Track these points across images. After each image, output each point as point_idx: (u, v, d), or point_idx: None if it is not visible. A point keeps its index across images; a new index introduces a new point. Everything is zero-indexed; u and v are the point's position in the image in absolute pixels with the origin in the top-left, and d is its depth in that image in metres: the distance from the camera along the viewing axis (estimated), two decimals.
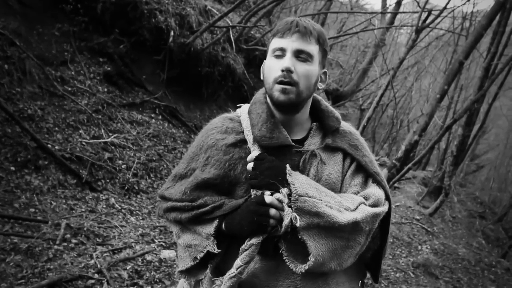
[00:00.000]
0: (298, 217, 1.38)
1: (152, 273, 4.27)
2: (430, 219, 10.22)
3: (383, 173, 8.00)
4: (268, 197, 1.43)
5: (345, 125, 1.76)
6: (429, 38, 15.04)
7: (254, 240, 1.45)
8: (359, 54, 17.11)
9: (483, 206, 14.68)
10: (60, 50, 7.04)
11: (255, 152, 1.54)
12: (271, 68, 1.54)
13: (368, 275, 1.81)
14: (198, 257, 1.56)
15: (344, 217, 1.44)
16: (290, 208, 1.40)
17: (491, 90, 10.78)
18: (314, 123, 1.68)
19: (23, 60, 6.08)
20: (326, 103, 1.76)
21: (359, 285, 1.75)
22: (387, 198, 1.68)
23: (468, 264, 8.47)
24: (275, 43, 1.54)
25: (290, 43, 1.51)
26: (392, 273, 6.87)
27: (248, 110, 1.69)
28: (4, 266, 3.62)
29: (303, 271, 1.42)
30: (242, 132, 1.64)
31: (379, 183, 1.68)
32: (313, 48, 1.53)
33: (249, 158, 1.53)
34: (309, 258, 1.40)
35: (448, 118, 13.98)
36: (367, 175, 1.69)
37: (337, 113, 1.73)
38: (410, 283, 6.69)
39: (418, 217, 9.93)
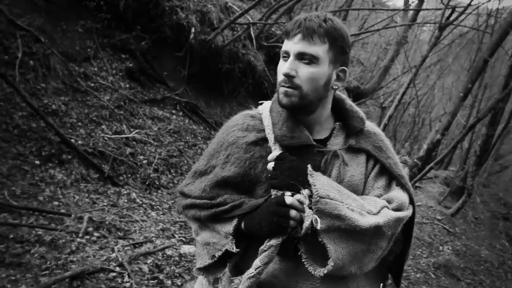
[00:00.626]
0: (318, 219, 1.36)
1: (172, 268, 4.31)
2: (452, 219, 10.07)
3: (404, 172, 7.94)
4: (288, 198, 1.40)
5: (370, 126, 1.71)
6: (453, 36, 14.76)
7: (273, 241, 1.43)
8: (380, 52, 16.92)
9: (507, 207, 14.37)
10: (83, 47, 7.14)
11: (276, 151, 1.52)
12: (278, 71, 1.53)
13: (390, 278, 1.78)
14: (216, 256, 1.54)
15: (366, 221, 1.41)
16: (310, 210, 1.38)
17: None
18: (338, 123, 1.64)
19: (47, 56, 6.19)
20: (351, 103, 1.71)
21: (381, 282, 1.71)
22: (411, 202, 1.64)
23: (490, 266, 8.33)
24: (283, 45, 1.52)
25: (293, 45, 1.48)
26: (413, 273, 6.79)
27: (269, 108, 1.66)
28: (29, 257, 3.70)
29: (322, 274, 1.39)
30: (263, 130, 1.61)
31: (403, 186, 1.64)
32: (317, 49, 1.46)
33: (269, 157, 1.50)
34: (328, 262, 1.38)
35: (472, 117, 13.76)
36: (391, 177, 1.65)
37: (362, 113, 1.69)
38: (430, 284, 6.61)
39: (439, 217, 9.80)
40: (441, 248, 8.35)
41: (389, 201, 1.57)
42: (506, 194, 16.69)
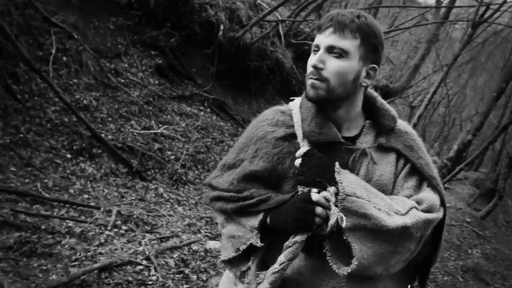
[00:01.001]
0: (344, 217, 1.35)
1: (197, 263, 4.35)
2: (482, 222, 9.84)
3: (436, 173, 7.81)
4: (314, 195, 1.39)
5: (402, 125, 1.67)
6: (486, 34, 14.40)
7: (298, 238, 1.42)
8: (410, 50, 16.61)
9: None
10: (114, 43, 7.28)
11: (304, 147, 1.51)
12: (308, 64, 1.52)
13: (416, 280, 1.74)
14: (241, 249, 1.54)
15: (393, 221, 1.39)
16: (337, 208, 1.36)
17: None
18: (368, 121, 1.61)
19: (80, 53, 6.34)
20: (383, 101, 1.68)
21: (408, 284, 1.68)
22: (443, 203, 1.59)
23: None
24: (315, 39, 1.51)
25: (324, 38, 1.46)
26: (440, 276, 6.67)
27: (299, 104, 1.65)
28: (59, 248, 3.80)
29: (346, 273, 1.38)
30: (293, 126, 1.60)
31: (434, 188, 1.59)
32: (347, 43, 1.45)
33: (297, 153, 1.49)
34: (353, 261, 1.36)
35: (505, 118, 13.37)
36: (421, 178, 1.60)
37: (393, 111, 1.65)
38: None
39: (469, 220, 9.58)
40: (469, 251, 8.16)
41: (419, 202, 1.53)
42: None
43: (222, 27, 8.43)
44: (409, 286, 1.69)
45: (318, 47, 1.49)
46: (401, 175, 1.59)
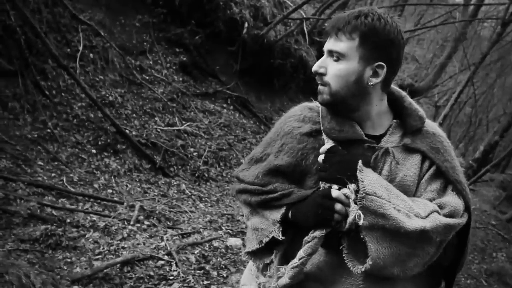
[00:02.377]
0: (362, 215, 1.34)
1: (218, 259, 4.39)
2: (508, 225, 9.62)
3: (463, 177, 7.68)
4: (335, 191, 1.39)
5: (430, 125, 1.63)
6: None
7: (317, 233, 1.43)
8: (437, 48, 16.31)
9: None
10: (140, 40, 7.38)
11: (328, 144, 1.50)
12: None
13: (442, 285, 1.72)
14: (264, 241, 1.56)
15: (412, 223, 1.37)
16: (356, 205, 1.36)
17: None
18: (395, 120, 1.59)
19: (106, 50, 6.46)
20: (411, 100, 1.65)
21: None
22: (467, 209, 1.55)
23: None
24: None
25: (326, 44, 1.48)
26: (463, 279, 6.56)
27: None
28: (83, 241, 3.88)
29: (360, 272, 1.38)
30: (319, 122, 1.60)
31: (459, 192, 1.54)
32: (342, 46, 1.44)
33: (321, 149, 1.48)
34: (367, 260, 1.36)
35: None
36: (446, 182, 1.56)
37: (421, 111, 1.61)
38: None
39: (494, 222, 9.39)
40: (494, 254, 8.00)
41: (441, 206, 1.50)
42: None
43: (246, 24, 8.44)
44: None
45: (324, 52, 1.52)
46: (425, 178, 1.56)
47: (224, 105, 8.10)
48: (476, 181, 9.15)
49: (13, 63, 5.15)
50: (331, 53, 1.48)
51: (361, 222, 1.34)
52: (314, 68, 1.49)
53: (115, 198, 4.81)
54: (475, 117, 15.74)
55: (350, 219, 1.36)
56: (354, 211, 1.36)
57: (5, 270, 2.83)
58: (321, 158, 1.47)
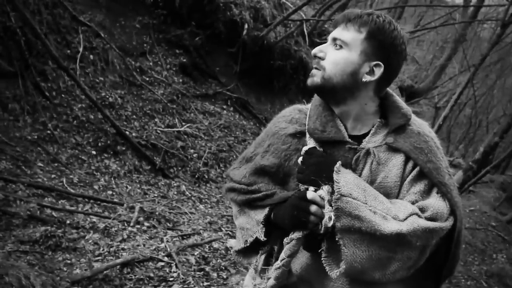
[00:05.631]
0: (333, 216, 1.34)
1: (218, 261, 4.39)
2: (508, 226, 9.62)
3: (457, 175, 7.66)
4: (310, 193, 1.39)
5: (417, 124, 1.59)
6: None
7: (295, 235, 1.43)
8: (436, 50, 16.32)
9: None
10: (140, 42, 7.38)
11: (308, 145, 1.51)
12: None
13: None
14: (249, 241, 1.58)
15: (388, 226, 1.34)
16: (331, 207, 1.35)
17: None
18: (379, 120, 1.56)
19: (106, 51, 6.46)
20: (397, 98, 1.62)
21: None
22: (453, 213, 1.49)
23: None
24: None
25: (332, 32, 1.50)
26: (463, 280, 6.55)
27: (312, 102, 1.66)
28: (83, 243, 3.88)
29: (335, 276, 1.39)
30: (305, 124, 1.59)
31: (444, 195, 1.49)
32: (349, 35, 1.46)
33: (301, 151, 1.49)
34: (341, 264, 1.36)
35: None
36: (431, 184, 1.51)
37: (406, 108, 1.58)
38: None
39: (494, 224, 9.39)
40: (494, 256, 7.99)
41: (423, 209, 1.46)
42: None
43: (246, 26, 8.45)
44: None
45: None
46: (408, 179, 1.52)
47: (224, 107, 8.11)
48: (476, 182, 9.14)
49: (13, 64, 5.15)
50: (335, 40, 1.48)
51: (330, 224, 1.34)
52: (314, 51, 1.50)
53: (115, 200, 4.81)
54: (475, 118, 15.74)
55: (324, 220, 1.36)
56: (328, 213, 1.36)
57: (5, 271, 2.83)
58: (299, 159, 1.47)
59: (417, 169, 1.51)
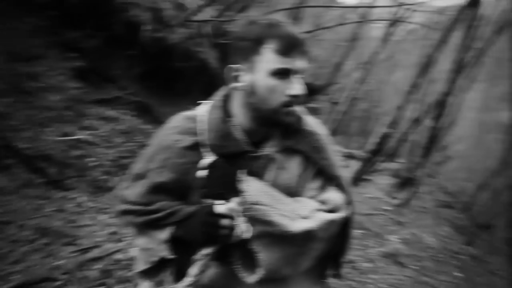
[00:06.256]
0: (249, 227, 1.39)
1: (122, 272, 4.29)
2: (400, 209, 10.38)
3: (354, 165, 8.14)
4: (218, 207, 1.41)
5: (310, 124, 1.68)
6: (403, 32, 15.18)
7: (206, 250, 1.45)
8: (333, 48, 17.14)
9: (451, 195, 15.02)
10: (30, 45, 6.94)
11: (208, 158, 1.50)
12: (275, 91, 1.47)
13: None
14: (153, 261, 1.57)
15: (297, 226, 1.43)
16: (242, 218, 1.40)
17: (460, 83, 11.04)
18: None
19: None
20: None
21: (321, 277, 1.75)
22: (349, 202, 1.65)
23: (434, 252, 8.66)
24: (277, 61, 1.45)
25: (294, 62, 1.46)
26: (362, 263, 6.98)
27: (208, 112, 1.65)
28: None
29: (253, 281, 1.43)
30: (199, 134, 1.59)
31: (340, 187, 1.64)
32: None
33: (201, 165, 1.49)
34: (259, 270, 1.41)
35: (419, 111, 14.24)
36: (327, 178, 1.64)
37: (299, 110, 1.64)
38: (379, 272, 6.82)
39: (388, 208, 10.09)
40: (389, 237, 8.59)
41: (324, 203, 1.58)
42: (450, 183, 17.46)
43: (145, 27, 8.28)
44: (321, 275, 1.75)
45: (288, 71, 1.50)
46: (307, 177, 1.63)
47: (125, 111, 7.87)
48: (371, 171, 9.77)
49: None
50: (302, 72, 1.50)
51: (248, 234, 1.40)
52: (301, 92, 1.48)
53: (5, 218, 4.52)
54: (369, 112, 16.74)
55: (237, 232, 1.41)
56: (240, 224, 1.41)
57: None
58: (201, 173, 1.48)
59: (314, 166, 1.63)
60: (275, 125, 1.55)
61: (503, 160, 11.47)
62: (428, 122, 11.13)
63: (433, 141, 10.97)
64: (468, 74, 11.41)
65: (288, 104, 1.48)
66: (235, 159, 1.54)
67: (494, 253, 12.03)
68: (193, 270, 1.48)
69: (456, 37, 10.64)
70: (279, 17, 1.54)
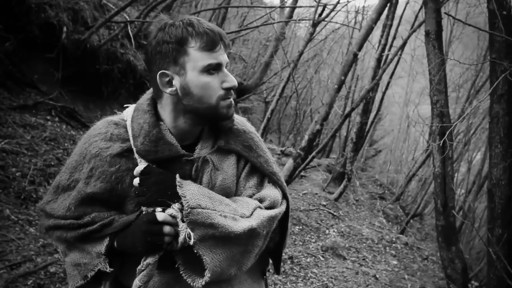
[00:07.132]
0: (192, 232, 1.35)
1: (57, 286, 4.03)
2: (336, 203, 10.71)
3: (288, 163, 8.25)
4: (160, 215, 1.36)
5: (240, 123, 1.70)
6: (326, 32, 15.77)
7: (150, 260, 1.39)
8: (260, 48, 17.40)
9: (382, 187, 15.75)
10: None
11: (141, 164, 1.44)
12: (211, 87, 1.46)
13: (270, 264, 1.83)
14: (89, 276, 1.46)
15: (240, 226, 1.43)
16: (184, 223, 1.37)
17: (383, 79, 11.63)
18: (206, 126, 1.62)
19: None
20: None
21: (262, 274, 1.78)
22: (285, 196, 1.68)
23: (371, 243, 9.02)
24: (206, 58, 1.43)
25: (221, 56, 1.47)
26: (303, 258, 7.09)
27: (131, 118, 1.57)
28: None
29: (201, 286, 1.40)
30: (128, 140, 1.51)
31: (275, 183, 1.67)
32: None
33: (135, 172, 1.42)
34: (205, 273, 1.38)
35: (347, 107, 14.83)
36: (262, 176, 1.67)
37: None
38: (320, 266, 6.96)
39: (324, 203, 10.36)
40: (327, 231, 8.82)
41: (261, 200, 1.60)
42: (381, 176, 18.44)
43: (65, 29, 7.85)
44: (262, 271, 1.77)
45: (219, 65, 1.50)
46: (242, 176, 1.64)
47: (48, 117, 7.41)
48: (306, 167, 9.96)
49: None
50: (227, 64, 1.52)
51: (192, 239, 1.36)
52: (235, 83, 1.49)
53: None
54: (299, 109, 17.21)
55: (181, 238, 1.37)
56: (183, 230, 1.36)
57: None
58: (136, 181, 1.40)
59: (249, 165, 1.64)
60: (217, 120, 1.54)
61: (428, 151, 12.18)
62: (356, 118, 11.61)
63: (362, 136, 11.41)
64: (389, 71, 12.06)
65: (225, 96, 1.49)
66: (170, 164, 1.49)
67: (425, 240, 12.78)
68: (137, 282, 1.41)
69: (377, 36, 11.21)
70: (191, 16, 1.51)
